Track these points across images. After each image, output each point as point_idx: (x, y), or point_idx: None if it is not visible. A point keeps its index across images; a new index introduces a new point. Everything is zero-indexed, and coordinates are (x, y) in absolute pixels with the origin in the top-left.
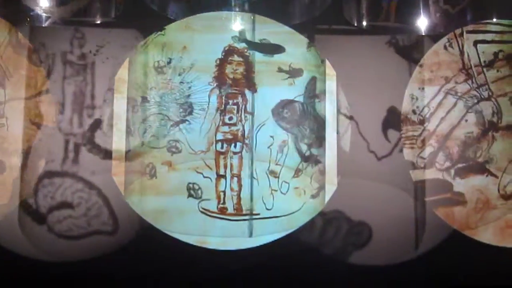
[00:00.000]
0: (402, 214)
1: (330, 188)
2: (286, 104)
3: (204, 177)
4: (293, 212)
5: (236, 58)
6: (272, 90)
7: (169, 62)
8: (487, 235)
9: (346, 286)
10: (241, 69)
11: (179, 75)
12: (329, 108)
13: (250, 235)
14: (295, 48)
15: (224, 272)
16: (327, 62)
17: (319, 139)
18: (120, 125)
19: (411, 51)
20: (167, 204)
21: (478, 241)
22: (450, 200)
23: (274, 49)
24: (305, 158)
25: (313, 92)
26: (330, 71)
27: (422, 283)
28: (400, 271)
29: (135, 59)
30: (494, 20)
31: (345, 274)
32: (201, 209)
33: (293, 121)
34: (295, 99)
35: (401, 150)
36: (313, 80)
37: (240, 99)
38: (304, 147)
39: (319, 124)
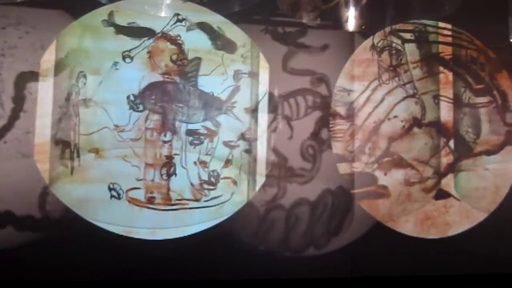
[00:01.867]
0: (329, 205)
1: (259, 180)
2: (154, 86)
3: (132, 165)
4: (222, 203)
5: (168, 45)
6: (207, 79)
7: (99, 47)
8: (408, 227)
9: (276, 274)
10: (173, 57)
11: (111, 60)
12: (262, 103)
13: (179, 225)
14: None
15: (152, 262)
16: (260, 54)
17: (207, 114)
18: (45, 110)
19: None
20: (93, 193)
21: (400, 232)
22: (375, 193)
23: (141, 33)
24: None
25: (195, 72)
26: (263, 63)
27: (346, 272)
28: (325, 261)
29: (64, 42)
30: (421, 20)
31: (273, 263)
32: (128, 199)
33: (165, 101)
34: (167, 80)
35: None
36: (196, 60)
37: (171, 88)
38: (180, 124)
39: (205, 100)
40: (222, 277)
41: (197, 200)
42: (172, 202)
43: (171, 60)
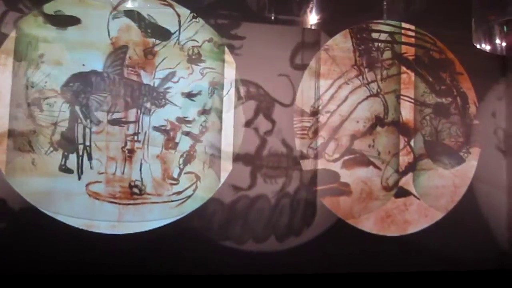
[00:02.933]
0: (292, 201)
1: (223, 175)
2: (77, 77)
3: (94, 159)
4: (185, 198)
5: (133, 37)
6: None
7: (59, 36)
8: (369, 224)
9: (238, 270)
10: (138, 49)
11: (71, 50)
12: (227, 97)
13: (140, 219)
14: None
15: (112, 256)
16: (226, 49)
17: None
18: (2, 101)
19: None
20: (53, 186)
21: (360, 229)
22: (337, 190)
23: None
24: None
25: (121, 61)
26: (229, 58)
27: (307, 268)
28: (287, 257)
29: (22, 31)
30: (385, 20)
31: (235, 258)
32: (89, 192)
33: (87, 92)
34: (91, 71)
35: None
36: (124, 48)
37: (95, 78)
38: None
39: (130, 88)
40: (184, 272)
41: (159, 195)
42: (134, 196)
43: (135, 53)
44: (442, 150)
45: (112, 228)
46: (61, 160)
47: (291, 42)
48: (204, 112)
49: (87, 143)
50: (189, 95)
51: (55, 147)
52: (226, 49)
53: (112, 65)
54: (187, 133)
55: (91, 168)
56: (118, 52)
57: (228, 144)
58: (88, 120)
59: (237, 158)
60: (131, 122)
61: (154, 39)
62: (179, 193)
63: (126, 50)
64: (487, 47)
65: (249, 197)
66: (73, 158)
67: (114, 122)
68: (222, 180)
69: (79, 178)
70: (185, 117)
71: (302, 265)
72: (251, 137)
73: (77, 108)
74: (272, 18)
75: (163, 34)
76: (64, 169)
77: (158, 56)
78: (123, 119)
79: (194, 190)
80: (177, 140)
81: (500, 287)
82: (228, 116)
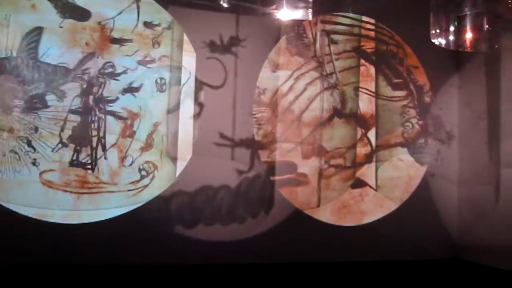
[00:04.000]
0: (249, 192)
1: (181, 164)
2: None
3: (48, 146)
4: (141, 187)
5: (91, 23)
6: (124, 59)
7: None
8: (326, 214)
9: (194, 260)
10: (95, 35)
11: (25, 35)
12: (186, 87)
13: (95, 208)
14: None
15: (67, 246)
16: (185, 37)
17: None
18: None
19: None
20: (4, 174)
21: (318, 219)
22: (294, 180)
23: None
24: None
25: (34, 44)
26: (189, 47)
27: (264, 258)
28: (244, 247)
29: None
30: (345, 13)
31: (191, 248)
32: (43, 181)
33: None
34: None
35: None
36: (36, 31)
37: (94, 66)
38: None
39: (46, 71)
40: (140, 262)
41: (115, 184)
42: (89, 185)
43: (92, 39)
44: (397, 142)
45: (67, 217)
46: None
47: (251, 32)
48: (162, 100)
49: (43, 131)
50: (130, 89)
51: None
52: (185, 37)
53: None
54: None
55: (45, 156)
56: (31, 35)
57: (187, 134)
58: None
59: (196, 147)
60: (125, 117)
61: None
62: (136, 182)
63: (41, 32)
64: (443, 42)
65: (207, 187)
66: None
67: (109, 114)
68: (180, 169)
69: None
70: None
71: (259, 254)
72: (210, 126)
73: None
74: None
75: (81, 15)
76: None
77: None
78: (118, 113)
79: (152, 180)
80: (134, 129)
81: (451, 275)
82: (187, 106)
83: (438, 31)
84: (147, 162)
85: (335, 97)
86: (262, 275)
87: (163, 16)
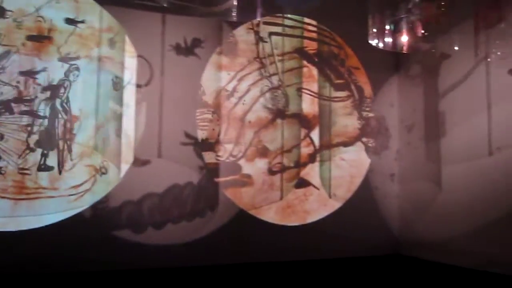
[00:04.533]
0: (194, 193)
1: (124, 167)
2: None
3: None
4: (82, 191)
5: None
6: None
7: None
8: (270, 214)
9: (138, 264)
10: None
11: None
12: (128, 88)
13: (34, 214)
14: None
15: (5, 253)
16: (126, 38)
17: None
18: None
19: None
20: None
21: (262, 219)
22: (239, 181)
23: None
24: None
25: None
26: (130, 48)
27: (209, 260)
28: (187, 248)
29: None
30: (288, 15)
31: (136, 252)
32: None
33: None
34: None
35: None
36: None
37: (40, 67)
38: None
39: None
40: (81, 268)
41: (55, 189)
42: (28, 190)
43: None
44: (339, 142)
45: (4, 225)
46: None
47: (195, 33)
48: (65, 108)
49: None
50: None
51: None
52: (126, 38)
53: None
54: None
55: None
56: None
57: (129, 136)
58: None
59: (139, 150)
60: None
61: None
62: (76, 186)
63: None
64: (380, 44)
65: (151, 190)
66: None
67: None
68: (123, 173)
69: None
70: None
71: (204, 256)
72: (153, 129)
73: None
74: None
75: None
76: None
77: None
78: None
79: (93, 184)
80: (74, 132)
81: (394, 271)
82: (129, 108)
83: (375, 33)
84: (88, 166)
85: (278, 98)
86: (206, 277)
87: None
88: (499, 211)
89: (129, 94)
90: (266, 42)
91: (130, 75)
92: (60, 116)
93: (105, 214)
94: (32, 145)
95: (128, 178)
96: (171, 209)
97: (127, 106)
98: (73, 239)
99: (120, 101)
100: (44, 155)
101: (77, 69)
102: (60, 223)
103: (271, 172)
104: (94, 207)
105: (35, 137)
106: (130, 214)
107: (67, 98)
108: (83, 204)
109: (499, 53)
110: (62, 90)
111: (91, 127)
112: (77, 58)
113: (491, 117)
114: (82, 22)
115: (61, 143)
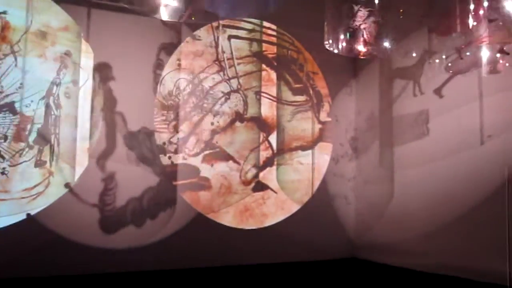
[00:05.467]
0: (151, 196)
1: (79, 170)
2: None
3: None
4: (36, 194)
5: None
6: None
7: None
8: (228, 218)
9: (93, 268)
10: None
11: None
12: (84, 89)
13: None
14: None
15: None
16: (81, 37)
17: None
18: None
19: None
20: None
21: (220, 223)
22: (197, 185)
23: None
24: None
25: None
26: (87, 48)
27: (167, 264)
28: (145, 253)
29: None
30: (247, 18)
31: (91, 256)
32: None
33: None
34: None
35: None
36: None
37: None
38: None
39: None
40: (34, 273)
41: (6, 192)
42: None
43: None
44: (297, 146)
45: None
46: None
47: (153, 35)
48: (57, 104)
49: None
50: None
51: None
52: (81, 37)
53: None
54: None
55: None
56: None
57: (84, 138)
58: None
59: (94, 152)
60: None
61: None
62: (30, 189)
63: None
64: (336, 50)
65: (107, 192)
66: None
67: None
68: (78, 175)
69: None
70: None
71: (161, 260)
72: (108, 131)
73: None
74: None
75: None
76: None
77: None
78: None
79: (47, 186)
80: (27, 133)
81: (350, 274)
82: (84, 109)
83: (331, 38)
84: (42, 168)
85: (237, 101)
86: (161, 282)
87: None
88: (449, 216)
89: (85, 95)
90: (225, 45)
91: (86, 75)
92: (53, 113)
93: (56, 217)
94: (31, 143)
95: (83, 181)
96: (127, 212)
97: (82, 107)
98: (24, 242)
99: (75, 102)
100: (40, 151)
101: (66, 67)
102: (11, 226)
103: (229, 175)
104: (47, 210)
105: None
106: (84, 216)
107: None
108: (36, 206)
109: (449, 63)
110: (54, 89)
111: (45, 128)
112: (48, 61)
113: (446, 122)
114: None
115: (13, 144)
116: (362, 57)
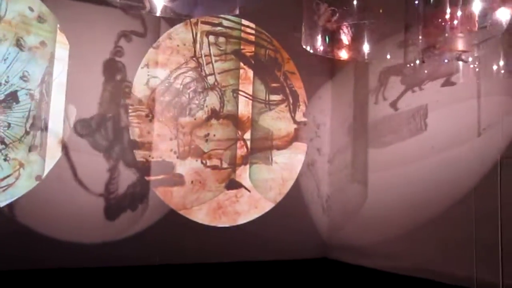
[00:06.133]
0: (124, 191)
1: (50, 162)
2: None
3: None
4: (5, 186)
5: None
6: None
7: None
8: (201, 215)
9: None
10: None
11: None
12: (58, 81)
13: None
14: None
15: None
16: (58, 29)
17: None
18: None
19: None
20: None
21: (193, 220)
22: (170, 181)
23: None
24: None
25: None
26: (62, 39)
27: (138, 260)
28: (117, 248)
29: None
30: (226, 16)
31: (63, 251)
32: None
33: None
34: None
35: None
36: None
37: None
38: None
39: None
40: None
41: None
42: None
43: None
44: (273, 145)
45: None
46: None
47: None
48: (31, 96)
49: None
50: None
51: None
52: (58, 28)
53: None
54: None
55: None
56: None
57: (57, 131)
58: None
59: (67, 145)
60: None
61: None
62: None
63: None
64: (311, 50)
65: (78, 186)
66: None
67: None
68: (49, 168)
69: None
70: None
71: (133, 256)
72: (82, 124)
73: None
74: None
75: None
76: None
77: None
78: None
79: (17, 178)
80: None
81: (322, 274)
82: (58, 100)
83: (309, 39)
84: (13, 159)
85: (213, 99)
86: (132, 278)
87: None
88: (422, 217)
89: (59, 86)
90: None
91: (61, 67)
92: (45, 99)
93: (26, 210)
94: (28, 129)
95: (54, 173)
96: (99, 206)
97: (56, 98)
98: None
99: (49, 92)
100: (34, 136)
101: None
102: None
103: (203, 172)
104: (18, 202)
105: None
106: (56, 210)
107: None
108: (5, 198)
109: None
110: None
111: (17, 119)
112: (23, 52)
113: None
114: None
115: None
116: (338, 59)
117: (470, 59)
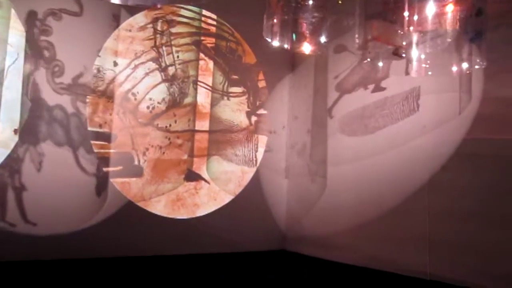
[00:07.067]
0: (81, 183)
1: (4, 152)
2: None
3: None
4: None
5: None
6: None
7: None
8: (159, 207)
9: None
10: None
11: None
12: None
13: None
14: None
15: None
16: (13, 13)
17: None
18: None
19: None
20: None
21: (151, 212)
22: (128, 172)
23: None
24: None
25: None
26: (18, 25)
27: (96, 252)
28: (74, 240)
29: None
30: (187, 6)
31: (13, 243)
32: None
33: None
34: None
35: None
36: None
37: None
38: None
39: None
40: None
41: None
42: None
43: None
44: (233, 137)
45: None
46: None
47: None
48: None
49: None
50: None
51: None
52: (13, 12)
53: None
54: None
55: None
56: None
57: (9, 120)
58: None
59: (20, 135)
60: None
61: None
62: None
63: None
64: (274, 42)
65: (34, 176)
66: None
67: None
68: (2, 159)
69: None
70: None
71: (90, 248)
72: (37, 113)
73: None
74: None
75: None
76: None
77: None
78: None
79: None
80: None
81: (280, 266)
82: (13, 89)
83: (269, 31)
84: None
85: (173, 89)
86: (87, 271)
87: None
88: (380, 210)
89: (14, 75)
90: (164, 31)
91: (16, 54)
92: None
93: None
94: None
95: (7, 164)
96: (54, 196)
97: (10, 88)
98: None
99: (1, 82)
100: None
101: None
102: None
103: (162, 163)
104: None
105: None
106: (9, 202)
107: None
108: None
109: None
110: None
111: None
112: None
113: (383, 120)
114: None
115: None
116: (298, 52)
117: (404, 55)
